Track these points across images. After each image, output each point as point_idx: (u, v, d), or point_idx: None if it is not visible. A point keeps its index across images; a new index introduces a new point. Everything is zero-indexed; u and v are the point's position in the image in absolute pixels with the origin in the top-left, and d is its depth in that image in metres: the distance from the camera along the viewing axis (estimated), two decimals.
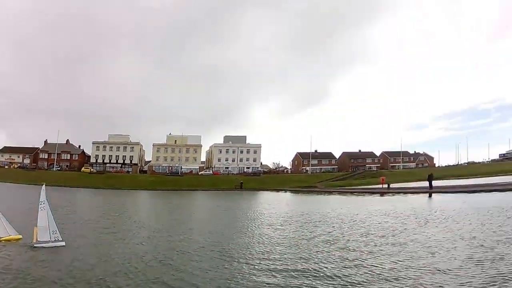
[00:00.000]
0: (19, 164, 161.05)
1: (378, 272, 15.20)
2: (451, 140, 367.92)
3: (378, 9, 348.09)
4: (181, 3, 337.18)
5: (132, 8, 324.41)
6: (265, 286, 14.23)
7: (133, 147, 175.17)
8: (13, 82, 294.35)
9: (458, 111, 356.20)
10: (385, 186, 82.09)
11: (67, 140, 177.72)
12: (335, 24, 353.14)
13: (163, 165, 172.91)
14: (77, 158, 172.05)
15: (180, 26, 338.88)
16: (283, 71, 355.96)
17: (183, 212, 48.19)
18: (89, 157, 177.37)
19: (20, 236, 23.83)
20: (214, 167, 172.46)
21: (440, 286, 13.09)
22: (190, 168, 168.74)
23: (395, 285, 13.63)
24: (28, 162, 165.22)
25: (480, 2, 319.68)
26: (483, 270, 14.32)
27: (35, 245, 21.48)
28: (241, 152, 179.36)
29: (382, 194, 70.74)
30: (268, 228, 30.35)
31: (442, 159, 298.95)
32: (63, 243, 21.71)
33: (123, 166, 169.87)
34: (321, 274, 15.32)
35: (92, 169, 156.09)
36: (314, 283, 14.24)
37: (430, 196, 57.02)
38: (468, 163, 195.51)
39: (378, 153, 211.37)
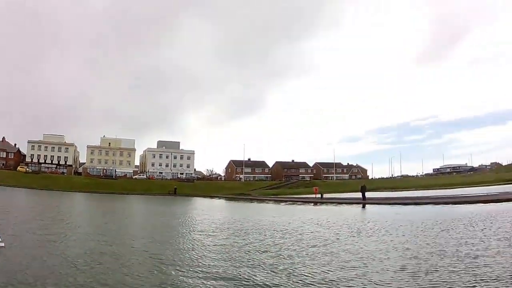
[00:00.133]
0: None
1: (308, 282, 14.76)
2: (384, 153, 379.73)
3: (314, 25, 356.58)
4: (118, 4, 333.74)
5: (68, 5, 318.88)
6: None
7: (67, 148, 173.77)
8: None
9: (391, 126, 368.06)
10: (318, 196, 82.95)
11: (3, 138, 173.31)
12: (272, 37, 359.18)
13: (97, 167, 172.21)
14: (12, 157, 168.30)
15: (116, 29, 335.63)
16: (219, 79, 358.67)
17: (117, 216, 46.98)
18: (24, 156, 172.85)
19: None
20: (148, 171, 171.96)
21: None
22: (124, 172, 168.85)
23: None
24: None
25: (409, 28, 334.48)
26: (417, 282, 14.10)
27: None
28: (175, 157, 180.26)
29: (315, 203, 71.34)
30: (200, 235, 29.63)
31: (375, 172, 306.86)
32: (2, 244, 20.48)
33: (58, 167, 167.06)
34: (251, 283, 14.82)
35: (27, 169, 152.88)
36: None
37: (363, 207, 57.72)
38: (401, 176, 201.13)
39: (311, 164, 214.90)
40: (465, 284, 13.51)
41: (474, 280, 13.78)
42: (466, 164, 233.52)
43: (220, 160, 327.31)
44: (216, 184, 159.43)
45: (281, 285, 14.58)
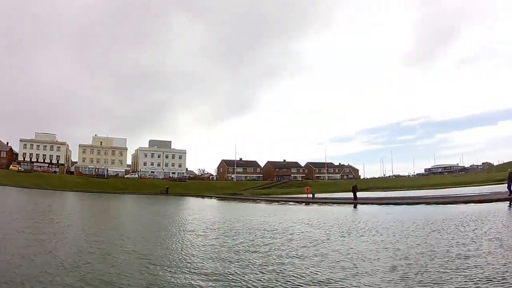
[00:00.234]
0: None
1: (297, 283, 14.60)
2: (376, 153, 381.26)
3: (307, 26, 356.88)
4: (108, 3, 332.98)
5: (57, 2, 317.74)
6: None
7: (59, 147, 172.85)
8: None
9: (382, 126, 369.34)
10: (310, 196, 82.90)
11: None
12: (264, 36, 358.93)
13: (89, 166, 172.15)
14: (5, 156, 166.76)
15: (107, 29, 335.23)
16: (211, 79, 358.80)
17: (108, 216, 46.87)
18: (17, 155, 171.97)
19: None
20: (140, 171, 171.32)
21: None
22: (116, 171, 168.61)
23: None
24: None
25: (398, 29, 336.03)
26: (407, 283, 13.96)
27: None
28: (166, 157, 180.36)
29: (307, 203, 71.22)
30: (190, 235, 29.54)
31: (367, 172, 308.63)
32: None
33: (50, 166, 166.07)
34: (239, 283, 14.66)
35: (20, 168, 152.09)
36: None
37: (355, 206, 57.66)
38: (393, 176, 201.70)
39: (303, 164, 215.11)
40: (456, 285, 13.41)
41: (465, 281, 13.65)
42: (457, 164, 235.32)
43: (212, 160, 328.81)
44: (208, 183, 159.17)
45: (269, 285, 14.46)
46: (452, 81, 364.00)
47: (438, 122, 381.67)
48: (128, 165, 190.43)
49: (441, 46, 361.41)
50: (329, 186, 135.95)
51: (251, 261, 18.79)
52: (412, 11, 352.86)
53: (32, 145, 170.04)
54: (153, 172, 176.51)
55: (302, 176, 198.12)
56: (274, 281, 14.92)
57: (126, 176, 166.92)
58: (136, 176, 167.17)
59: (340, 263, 17.83)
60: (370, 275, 15.46)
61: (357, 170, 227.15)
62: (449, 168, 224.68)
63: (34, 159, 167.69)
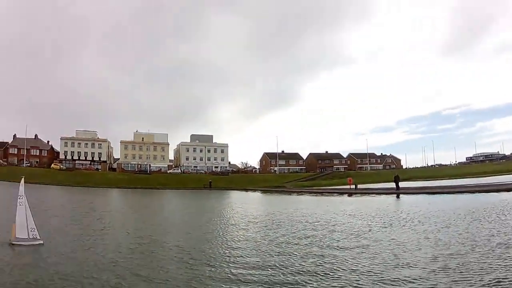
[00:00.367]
0: None
1: (337, 275, 14.60)
2: (417, 143, 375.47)
3: (344, 17, 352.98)
4: (148, 2, 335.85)
5: (98, 3, 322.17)
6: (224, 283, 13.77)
7: (101, 144, 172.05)
8: None
9: (423, 115, 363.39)
10: (353, 186, 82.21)
11: (36, 135, 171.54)
12: (303, 28, 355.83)
13: (131, 162, 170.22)
14: (46, 154, 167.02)
15: (145, 24, 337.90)
16: (249, 72, 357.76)
17: (151, 211, 46.93)
18: (58, 153, 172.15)
19: None
20: (183, 165, 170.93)
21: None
22: (159, 167, 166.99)
23: (354, 287, 13.11)
24: None
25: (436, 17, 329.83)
26: (447, 274, 13.84)
27: (13, 242, 20.79)
28: (209, 151, 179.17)
29: (350, 194, 70.67)
30: (233, 228, 29.73)
31: (409, 161, 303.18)
32: (41, 241, 20.96)
33: (92, 163, 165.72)
34: (276, 279, 14.56)
35: (61, 166, 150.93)
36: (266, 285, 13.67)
37: (397, 197, 56.99)
38: (436, 165, 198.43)
39: (345, 155, 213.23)
40: (497, 275, 13.21)
41: (506, 271, 13.47)
42: (498, 152, 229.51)
43: (254, 153, 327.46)
44: (251, 177, 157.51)
45: (308, 279, 14.46)
46: (491, 68, 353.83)
47: (478, 110, 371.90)
48: (170, 160, 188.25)
49: (479, 34, 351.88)
50: (372, 176, 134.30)
51: (292, 254, 18.89)
52: (449, 0, 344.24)
53: (73, 143, 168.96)
54: (196, 166, 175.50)
55: (344, 167, 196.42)
56: (314, 274, 14.94)
57: (168, 171, 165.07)
58: (179, 171, 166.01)
59: (381, 254, 17.79)
60: (411, 266, 15.38)
61: (399, 160, 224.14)
62: (490, 156, 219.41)
63: (75, 157, 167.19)
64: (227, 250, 20.46)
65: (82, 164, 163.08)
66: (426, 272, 14.28)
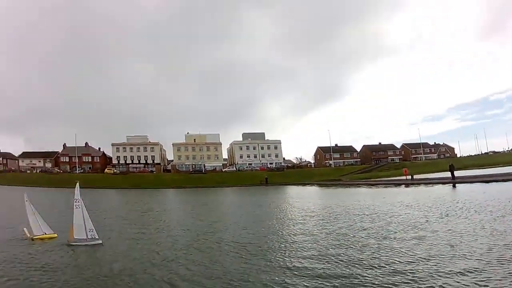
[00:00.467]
0: (40, 169, 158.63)
1: (393, 268, 14.66)
2: (468, 130, 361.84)
3: (382, 6, 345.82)
4: (185, 4, 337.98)
5: (137, 9, 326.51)
6: (276, 281, 13.92)
7: (153, 147, 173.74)
8: (24, 88, 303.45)
9: (471, 101, 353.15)
10: (409, 177, 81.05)
11: (86, 143, 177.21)
12: (342, 20, 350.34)
13: (186, 163, 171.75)
14: (98, 160, 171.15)
15: (186, 28, 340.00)
16: (295, 67, 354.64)
17: (209, 209, 47.34)
18: (110, 158, 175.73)
19: (55, 235, 24.49)
20: (237, 163, 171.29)
21: (456, 282, 12.60)
22: (213, 166, 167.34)
23: (410, 279, 13.19)
24: (50, 166, 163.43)
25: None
26: (502, 265, 13.75)
27: (71, 243, 21.81)
28: (262, 148, 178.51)
29: (406, 185, 69.74)
30: (290, 223, 29.93)
31: (462, 150, 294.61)
32: (99, 241, 21.89)
33: (146, 166, 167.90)
34: (332, 272, 14.71)
35: (115, 170, 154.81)
36: (324, 282, 13.64)
37: (453, 186, 56.00)
38: (491, 152, 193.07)
39: (398, 145, 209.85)
40: None
41: None
42: None
43: (307, 148, 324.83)
44: (306, 171, 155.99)
45: (365, 269, 14.69)
46: None
47: None
48: (224, 159, 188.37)
49: None
50: (427, 166, 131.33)
51: (349, 246, 19.07)
52: None
53: (124, 148, 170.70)
54: (251, 164, 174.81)
55: (399, 158, 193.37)
56: (370, 266, 15.08)
57: (224, 170, 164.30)
58: (234, 169, 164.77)
59: (438, 246, 17.74)
60: (467, 258, 15.31)
61: (452, 149, 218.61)
62: None
63: (128, 161, 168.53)
64: (283, 244, 20.76)
65: (136, 168, 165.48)
66: (482, 263, 14.20)
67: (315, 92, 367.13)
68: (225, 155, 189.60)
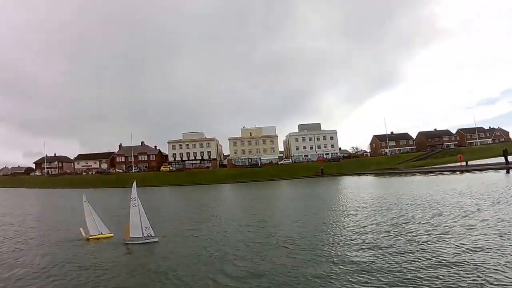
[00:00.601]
0: (96, 170, 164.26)
1: (439, 260, 14.37)
2: None
3: None
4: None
5: (193, 7, 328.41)
6: (321, 275, 13.81)
7: (209, 143, 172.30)
8: (81, 92, 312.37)
9: None
10: (463, 163, 79.16)
11: (142, 142, 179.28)
12: (394, 5, 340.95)
13: (242, 157, 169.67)
14: (154, 159, 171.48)
15: (237, 22, 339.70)
16: (348, 56, 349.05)
17: (262, 203, 45.97)
18: (166, 156, 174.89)
19: (111, 234, 24.67)
20: (293, 155, 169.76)
21: (501, 275, 12.25)
22: (269, 159, 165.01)
23: (454, 272, 12.90)
24: (106, 167, 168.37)
25: None
26: None
27: (127, 242, 21.97)
28: (318, 139, 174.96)
29: (461, 172, 68.14)
30: (341, 214, 29.63)
31: None
32: (155, 239, 22.03)
33: (202, 162, 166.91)
34: (379, 266, 14.44)
35: (171, 168, 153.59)
36: (368, 276, 13.48)
37: (507, 172, 54.34)
38: None
39: (453, 131, 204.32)
40: None
41: None
42: None
43: (364, 137, 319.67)
44: (362, 160, 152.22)
45: (412, 262, 14.47)
46: None
47: None
48: (280, 152, 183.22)
49: None
50: (482, 151, 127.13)
51: (398, 238, 18.79)
52: None
53: (180, 145, 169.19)
54: (307, 155, 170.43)
55: (454, 144, 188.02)
56: (416, 259, 14.84)
57: (280, 163, 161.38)
58: (290, 161, 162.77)
59: (486, 236, 17.28)
60: None
61: (507, 133, 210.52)
62: None
63: (184, 158, 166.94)
64: (332, 237, 20.61)
65: (192, 164, 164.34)
66: None
67: (369, 80, 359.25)
68: (281, 147, 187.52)
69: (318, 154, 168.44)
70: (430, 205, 29.46)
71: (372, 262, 14.95)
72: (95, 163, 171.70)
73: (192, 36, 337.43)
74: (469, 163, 79.48)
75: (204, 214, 36.61)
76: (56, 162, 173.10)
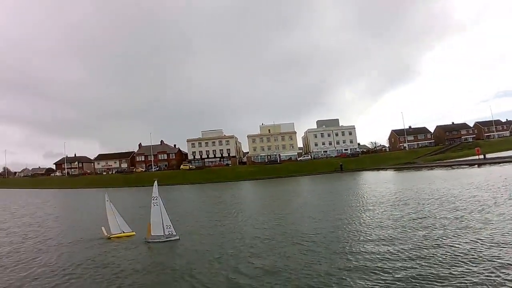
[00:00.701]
0: (116, 169, 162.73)
1: (453, 257, 14.07)
2: None
3: None
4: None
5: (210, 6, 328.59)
6: (333, 274, 13.61)
7: (228, 141, 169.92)
8: (101, 93, 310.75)
9: None
10: (481, 157, 78.20)
11: (161, 141, 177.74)
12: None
13: (261, 154, 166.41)
14: (174, 157, 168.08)
15: (251, 20, 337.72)
16: (364, 51, 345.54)
17: (280, 199, 45.98)
18: (186, 154, 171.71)
19: (133, 233, 24.71)
20: (312, 152, 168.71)
21: None
22: (288, 155, 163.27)
23: (465, 270, 12.64)
24: (126, 166, 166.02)
25: None
26: None
27: (148, 240, 21.97)
28: (336, 135, 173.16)
29: (479, 165, 67.29)
30: (358, 210, 29.34)
31: None
32: (177, 237, 21.99)
33: (221, 159, 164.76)
34: (392, 264, 14.16)
35: (191, 166, 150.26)
36: (383, 271, 13.36)
37: None
38: None
39: (471, 124, 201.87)
40: None
41: None
42: None
43: (382, 132, 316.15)
44: (381, 156, 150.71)
45: (427, 257, 14.30)
46: None
47: None
48: (299, 148, 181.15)
49: None
50: (499, 144, 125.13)
51: (413, 235, 18.43)
52: None
53: (200, 143, 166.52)
54: (326, 151, 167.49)
55: (472, 137, 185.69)
56: (430, 255, 14.60)
57: (299, 159, 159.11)
58: (309, 157, 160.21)
59: (502, 230, 16.97)
60: None
61: None
62: None
63: (204, 156, 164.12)
64: (347, 233, 20.41)
65: (211, 162, 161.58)
66: None
67: (386, 75, 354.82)
68: (300, 144, 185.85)
69: (338, 150, 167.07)
70: (447, 199, 29.08)
71: (387, 258, 14.76)
72: (115, 162, 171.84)
73: (210, 35, 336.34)
74: (487, 156, 78.49)
75: (224, 212, 36.31)
76: (76, 163, 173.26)
